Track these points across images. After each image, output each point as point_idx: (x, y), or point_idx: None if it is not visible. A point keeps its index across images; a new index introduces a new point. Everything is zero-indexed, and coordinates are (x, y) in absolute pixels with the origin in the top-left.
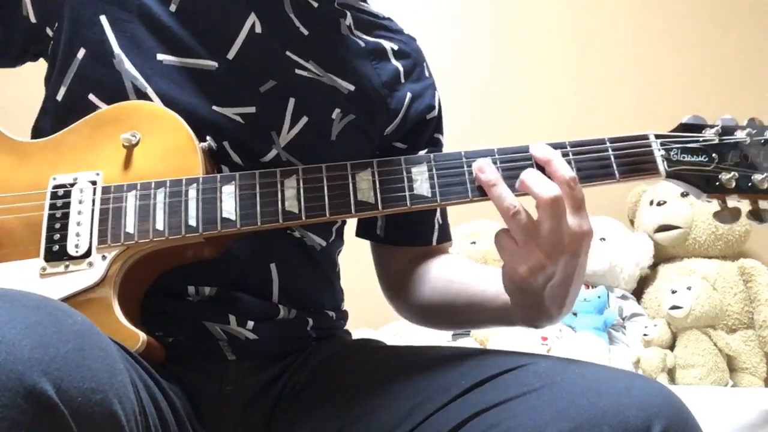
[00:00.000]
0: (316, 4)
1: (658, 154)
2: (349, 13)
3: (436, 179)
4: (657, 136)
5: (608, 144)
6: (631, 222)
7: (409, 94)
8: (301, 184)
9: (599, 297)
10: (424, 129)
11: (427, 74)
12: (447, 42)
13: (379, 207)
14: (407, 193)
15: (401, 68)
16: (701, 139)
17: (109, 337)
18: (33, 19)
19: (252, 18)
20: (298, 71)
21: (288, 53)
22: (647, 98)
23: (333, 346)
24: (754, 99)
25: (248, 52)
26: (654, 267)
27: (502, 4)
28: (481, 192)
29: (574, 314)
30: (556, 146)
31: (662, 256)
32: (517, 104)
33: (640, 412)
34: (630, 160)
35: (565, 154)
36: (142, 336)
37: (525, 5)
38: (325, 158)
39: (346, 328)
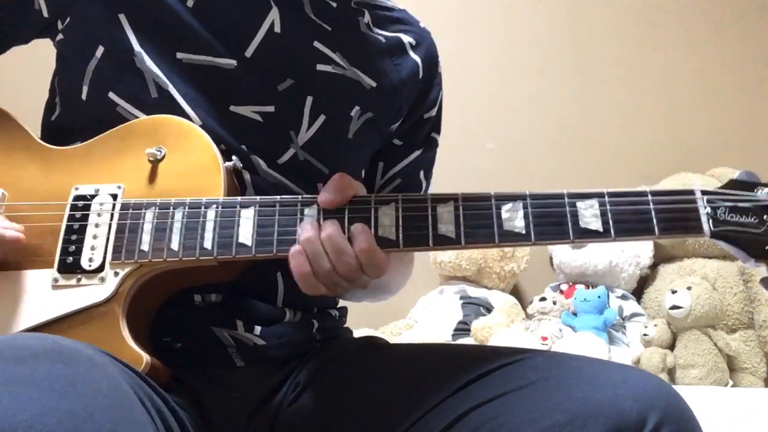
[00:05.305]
0: (334, 4)
1: (704, 212)
2: (366, 11)
3: (462, 220)
4: (704, 192)
5: (650, 197)
6: None
7: (417, 92)
8: (322, 215)
9: (599, 297)
10: (422, 128)
11: (438, 70)
12: (451, 42)
13: (401, 245)
14: (430, 233)
15: (419, 61)
16: (752, 198)
17: (115, 358)
18: (45, 14)
19: (273, 14)
20: (320, 66)
21: (316, 44)
22: (648, 97)
23: (334, 348)
24: (753, 99)
25: (266, 51)
26: (654, 267)
27: (504, 4)
28: (509, 238)
29: (574, 314)
30: (593, 195)
31: (662, 256)
32: (519, 103)
33: (636, 403)
34: (672, 216)
35: (602, 204)
36: (146, 358)
37: (527, 6)
38: (341, 156)
39: (346, 325)
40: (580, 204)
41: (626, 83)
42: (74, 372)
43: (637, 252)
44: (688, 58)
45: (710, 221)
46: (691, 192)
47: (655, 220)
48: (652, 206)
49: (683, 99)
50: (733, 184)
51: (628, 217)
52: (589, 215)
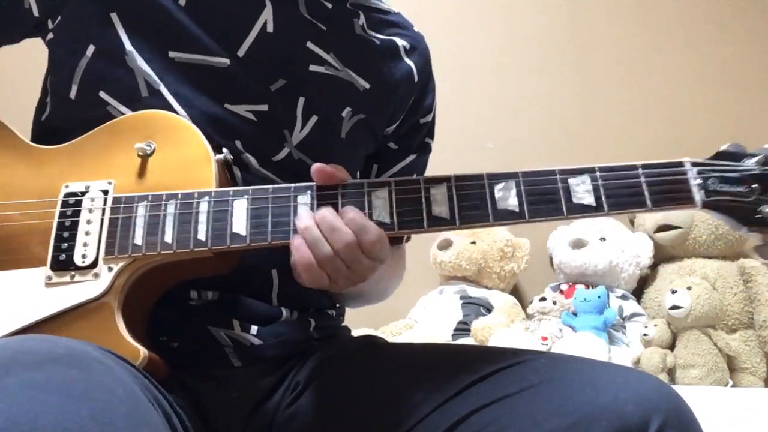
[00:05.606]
0: (329, 5)
1: (694, 183)
2: (361, 13)
3: (456, 200)
4: (694, 164)
5: (640, 170)
6: (631, 222)
7: (413, 97)
8: (316, 201)
9: (599, 297)
10: (417, 133)
11: (431, 75)
12: (451, 42)
13: (396, 228)
14: (425, 215)
15: (414, 67)
16: (741, 168)
17: (117, 356)
18: (36, 13)
19: (267, 13)
20: (312, 67)
21: (309, 44)
22: (648, 97)
23: (332, 347)
24: (754, 99)
25: (258, 50)
26: (654, 267)
27: (504, 4)
28: (503, 216)
29: (574, 314)
30: (584, 170)
31: (662, 256)
32: (519, 103)
33: (638, 407)
34: (663, 188)
35: (593, 179)
36: (143, 352)
37: (527, 6)
38: (335, 156)
39: (344, 324)
40: (572, 180)
41: (626, 83)
42: (89, 377)
43: (637, 252)
44: (688, 58)
45: (701, 192)
46: (681, 164)
47: (647, 193)
48: (643, 179)
49: (683, 99)
50: (720, 155)
51: (620, 191)
52: (582, 191)
